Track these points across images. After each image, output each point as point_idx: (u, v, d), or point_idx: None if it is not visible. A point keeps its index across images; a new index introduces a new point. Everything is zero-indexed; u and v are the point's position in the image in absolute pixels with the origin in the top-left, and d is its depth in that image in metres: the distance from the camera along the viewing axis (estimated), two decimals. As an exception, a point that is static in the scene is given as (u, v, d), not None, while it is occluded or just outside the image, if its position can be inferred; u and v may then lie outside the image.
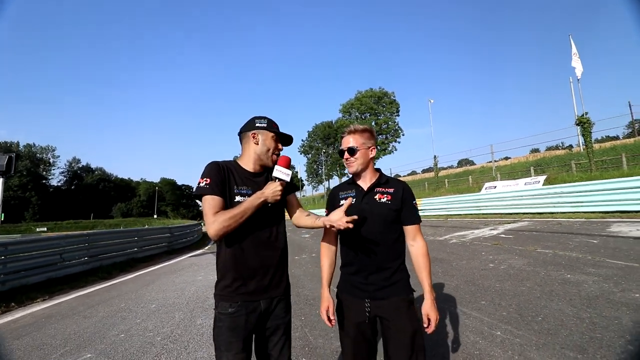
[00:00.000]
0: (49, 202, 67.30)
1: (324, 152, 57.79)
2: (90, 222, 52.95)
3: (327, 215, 1.48)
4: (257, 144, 1.51)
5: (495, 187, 16.72)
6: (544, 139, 48.83)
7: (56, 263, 6.92)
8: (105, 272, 7.61)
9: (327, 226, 1.39)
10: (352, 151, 1.54)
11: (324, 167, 57.35)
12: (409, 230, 1.53)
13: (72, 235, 8.07)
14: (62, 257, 7.07)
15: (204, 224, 1.38)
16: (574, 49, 19.87)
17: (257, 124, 1.51)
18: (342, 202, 1.48)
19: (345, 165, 1.60)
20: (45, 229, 42.90)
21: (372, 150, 1.57)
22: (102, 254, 8.40)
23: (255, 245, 1.43)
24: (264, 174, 1.55)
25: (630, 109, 27.19)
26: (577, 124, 16.10)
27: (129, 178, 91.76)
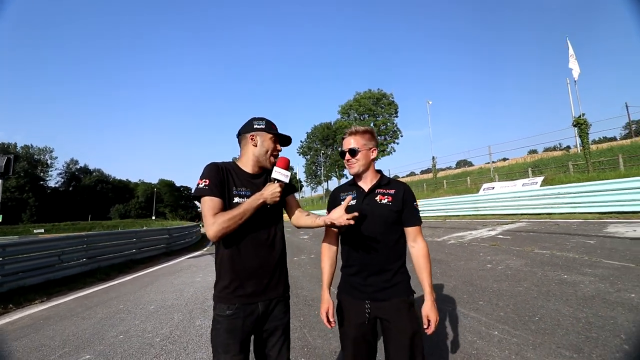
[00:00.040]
0: (46, 204, 67.00)
1: (323, 153, 57.82)
2: (88, 224, 52.81)
3: None
4: (256, 146, 1.51)
5: (493, 188, 16.75)
6: (541, 140, 49.07)
7: (54, 265, 6.90)
8: (103, 274, 7.59)
9: (328, 223, 1.39)
10: (353, 152, 1.54)
11: (322, 168, 57.37)
12: (410, 231, 1.53)
13: (71, 236, 8.05)
14: (61, 258, 7.05)
15: (203, 225, 1.38)
16: (570, 51, 20.02)
17: (256, 126, 1.51)
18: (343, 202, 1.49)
19: (347, 167, 1.60)
20: (42, 230, 42.73)
21: (373, 152, 1.58)
22: (101, 255, 8.37)
23: (254, 246, 1.42)
24: (262, 176, 1.55)
25: (627, 111, 27.41)
26: (575, 126, 16.22)
27: (127, 179, 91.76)
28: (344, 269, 1.58)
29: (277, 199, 1.40)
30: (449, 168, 39.47)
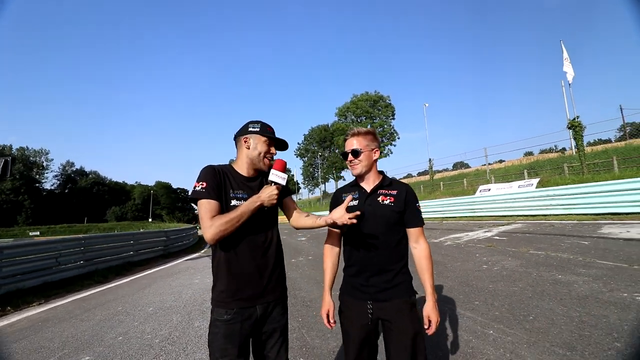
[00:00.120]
0: (42, 206, 66.47)
1: (320, 155, 57.89)
2: (84, 226, 52.43)
3: None
4: (249, 148, 1.51)
5: (490, 189, 16.87)
6: (537, 142, 49.24)
7: (52, 267, 6.89)
8: (101, 276, 7.57)
9: (330, 223, 1.38)
10: (355, 153, 1.54)
11: (320, 170, 57.43)
12: (412, 232, 1.53)
13: (68, 239, 8.01)
14: (58, 261, 7.03)
15: (200, 228, 1.39)
16: (565, 54, 20.21)
17: (250, 129, 1.52)
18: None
19: (349, 168, 1.60)
20: (38, 233, 42.45)
21: (375, 152, 1.58)
22: (98, 257, 8.35)
23: (251, 249, 1.43)
24: (258, 179, 1.55)
25: (622, 113, 27.68)
26: (569, 128, 16.38)
27: (123, 181, 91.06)
28: (345, 269, 1.58)
29: (275, 201, 1.41)
30: (446, 170, 39.73)
